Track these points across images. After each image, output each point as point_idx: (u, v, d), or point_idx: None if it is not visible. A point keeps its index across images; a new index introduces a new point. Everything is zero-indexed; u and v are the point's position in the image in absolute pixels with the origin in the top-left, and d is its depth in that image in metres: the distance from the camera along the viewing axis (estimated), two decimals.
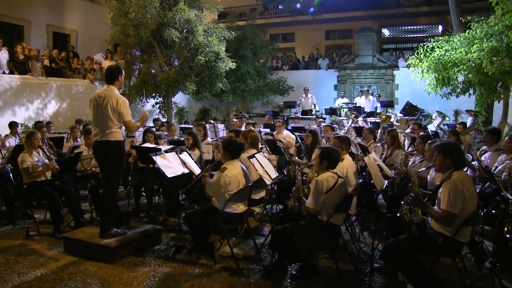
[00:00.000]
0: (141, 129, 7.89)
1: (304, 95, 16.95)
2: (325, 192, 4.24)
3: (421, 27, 22.30)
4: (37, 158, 6.06)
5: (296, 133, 9.37)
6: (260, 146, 6.82)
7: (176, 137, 8.36)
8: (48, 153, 6.31)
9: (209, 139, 8.07)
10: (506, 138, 5.72)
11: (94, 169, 6.68)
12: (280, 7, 24.42)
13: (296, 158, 7.51)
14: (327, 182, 4.27)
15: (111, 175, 5.13)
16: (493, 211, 4.53)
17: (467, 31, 11.46)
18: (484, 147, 6.57)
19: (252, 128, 7.94)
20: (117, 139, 5.01)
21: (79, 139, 8.62)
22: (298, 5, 21.92)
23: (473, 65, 10.74)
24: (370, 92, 17.09)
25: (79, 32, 18.71)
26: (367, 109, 15.25)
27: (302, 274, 4.47)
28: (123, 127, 5.14)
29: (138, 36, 13.39)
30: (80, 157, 6.47)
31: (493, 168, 5.65)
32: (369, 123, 11.66)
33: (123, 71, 5.40)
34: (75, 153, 6.55)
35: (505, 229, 3.92)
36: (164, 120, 14.45)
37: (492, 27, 10.38)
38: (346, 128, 11.60)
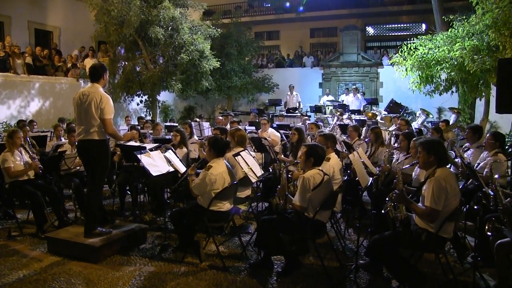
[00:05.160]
0: (125, 127, 7.82)
1: (289, 93, 16.97)
2: (312, 189, 4.26)
3: (404, 25, 22.51)
4: (19, 157, 5.97)
5: (281, 131, 9.39)
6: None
7: (161, 136, 8.31)
8: (30, 152, 6.21)
9: (195, 138, 8.05)
10: (488, 135, 5.79)
11: (78, 167, 6.61)
12: (265, 5, 24.42)
13: (282, 156, 7.53)
14: (313, 179, 4.29)
15: (96, 174, 5.08)
16: (475, 207, 4.60)
17: (449, 30, 11.61)
18: (467, 144, 6.66)
19: (240, 127, 7.93)
20: (101, 138, 4.96)
21: (62, 138, 8.51)
22: (288, 4, 21.97)
23: (456, 63, 10.90)
24: (358, 90, 17.09)
25: (62, 29, 18.46)
26: (355, 107, 15.26)
27: (286, 269, 4.50)
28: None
29: (122, 34, 13.27)
30: (64, 155, 6.39)
31: (476, 165, 5.73)
32: (353, 120, 11.73)
33: (107, 69, 5.35)
34: (58, 152, 6.46)
35: (486, 227, 3.99)
36: (148, 118, 14.37)
37: (473, 26, 10.53)
38: (331, 125, 11.65)
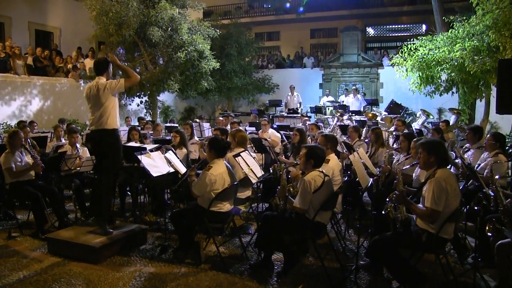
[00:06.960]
0: (126, 128, 7.82)
1: (290, 93, 16.97)
2: (313, 192, 4.25)
3: (405, 26, 22.52)
4: (19, 158, 5.97)
5: (282, 132, 9.38)
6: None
7: (161, 137, 8.32)
8: (32, 153, 6.21)
9: (196, 138, 8.05)
10: (488, 136, 5.79)
11: (78, 168, 6.60)
12: (265, 5, 24.43)
13: (282, 156, 7.52)
14: (314, 182, 4.28)
15: (107, 164, 5.16)
16: (476, 208, 4.60)
17: (449, 31, 11.62)
18: (467, 145, 6.66)
19: (241, 128, 7.93)
20: (111, 127, 5.07)
21: (62, 139, 8.51)
22: (288, 4, 21.97)
23: (456, 64, 10.91)
24: (358, 91, 17.06)
25: (62, 30, 18.46)
26: (355, 108, 15.24)
27: (285, 267, 4.52)
28: (117, 116, 5.17)
29: (121, 35, 13.27)
30: (64, 156, 6.40)
31: (476, 165, 5.73)
32: (354, 121, 11.73)
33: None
34: (59, 153, 6.47)
35: (486, 227, 3.99)
36: (149, 119, 14.37)
37: (473, 27, 10.54)
38: (331, 126, 11.65)
